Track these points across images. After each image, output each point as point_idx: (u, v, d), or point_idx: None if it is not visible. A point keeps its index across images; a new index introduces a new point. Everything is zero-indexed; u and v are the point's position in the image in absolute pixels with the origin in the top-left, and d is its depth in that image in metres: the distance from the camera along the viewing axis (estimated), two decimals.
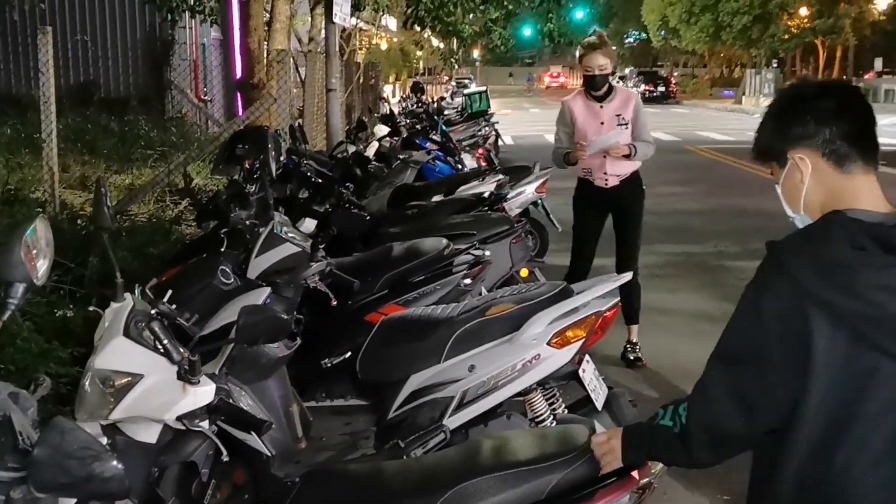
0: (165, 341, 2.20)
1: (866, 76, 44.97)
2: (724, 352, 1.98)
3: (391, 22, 27.27)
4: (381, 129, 9.82)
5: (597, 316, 3.61)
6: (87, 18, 17.96)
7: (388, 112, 12.53)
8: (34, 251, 1.91)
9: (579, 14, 64.47)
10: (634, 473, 2.29)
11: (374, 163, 8.03)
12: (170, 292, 2.52)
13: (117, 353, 2.29)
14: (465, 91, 20.75)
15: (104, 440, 2.28)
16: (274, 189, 6.54)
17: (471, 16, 15.68)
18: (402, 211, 7.12)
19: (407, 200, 7.52)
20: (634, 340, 6.29)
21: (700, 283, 8.55)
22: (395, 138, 9.50)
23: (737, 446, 2.06)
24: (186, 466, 3.02)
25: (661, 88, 50.31)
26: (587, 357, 3.80)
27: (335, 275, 4.24)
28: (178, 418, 2.27)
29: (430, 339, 3.69)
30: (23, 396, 2.01)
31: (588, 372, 3.75)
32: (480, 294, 4.67)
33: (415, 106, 15.27)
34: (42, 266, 1.94)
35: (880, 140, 1.97)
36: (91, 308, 2.68)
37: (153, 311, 2.32)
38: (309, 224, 5.50)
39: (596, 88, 5.92)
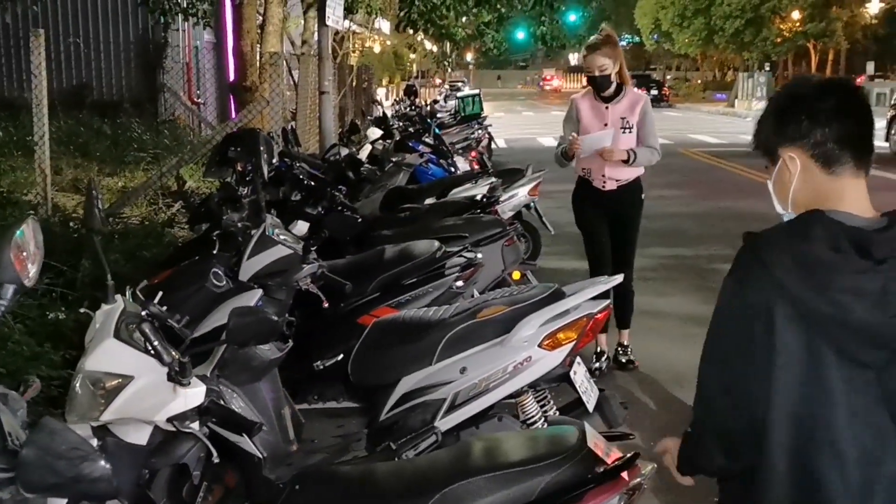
0: (156, 343, 2.20)
1: (858, 80, 45.11)
2: (712, 349, 1.98)
3: (384, 25, 27.29)
4: (374, 132, 9.83)
5: (588, 318, 3.62)
6: (80, 21, 17.93)
7: (380, 115, 12.54)
8: (24, 253, 1.92)
9: (572, 17, 64.65)
10: (624, 475, 2.29)
11: (366, 165, 8.02)
12: (160, 294, 2.51)
13: (108, 354, 2.29)
14: (459, 94, 20.75)
15: (95, 442, 2.28)
16: (266, 191, 6.56)
17: (464, 19, 15.68)
18: (394, 214, 7.13)
19: (399, 203, 7.53)
20: (626, 343, 6.25)
21: (692, 287, 8.56)
22: (387, 141, 9.51)
23: (748, 447, 1.93)
24: (178, 469, 3.03)
25: (654, 92, 50.37)
26: (578, 359, 3.80)
27: (327, 277, 4.25)
28: (169, 420, 2.26)
29: (422, 342, 3.69)
30: (12, 398, 2.01)
31: (579, 374, 3.76)
32: (472, 296, 4.67)
33: (408, 109, 15.28)
34: (32, 268, 1.95)
35: (877, 143, 1.96)
36: (82, 310, 2.67)
37: (143, 313, 2.32)
38: (301, 226, 5.51)
39: (600, 89, 5.83)
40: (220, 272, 4.02)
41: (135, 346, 2.29)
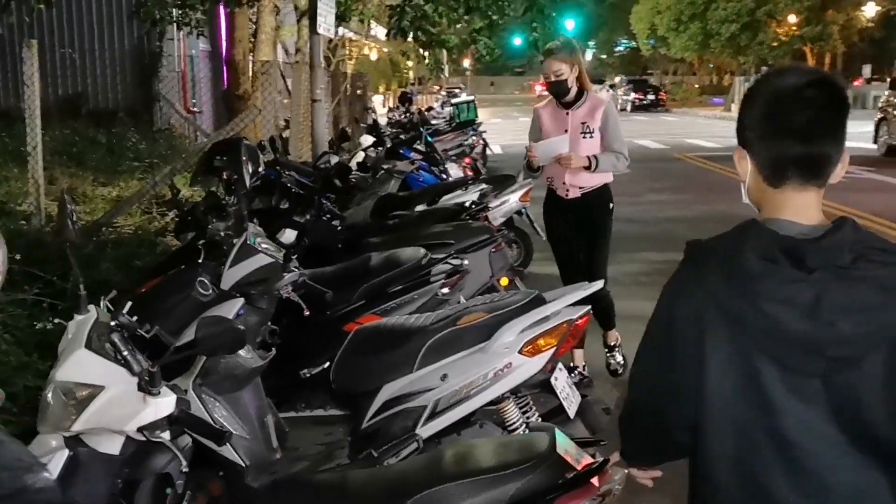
0: (125, 353, 2.22)
1: (855, 83, 45.14)
2: (643, 348, 2.02)
3: (381, 32, 27.31)
4: (367, 140, 9.86)
5: (568, 324, 3.63)
6: (74, 31, 17.97)
7: (373, 122, 12.57)
8: None
9: (570, 24, 64.80)
10: (594, 480, 2.30)
11: (357, 173, 8.04)
12: (129, 304, 2.52)
13: (78, 365, 2.30)
14: (453, 101, 20.79)
15: (66, 452, 2.29)
16: (256, 200, 6.59)
17: (458, 25, 15.71)
18: (384, 221, 7.14)
19: (390, 210, 7.53)
20: (612, 344, 6.12)
21: None
22: (378, 148, 9.53)
23: (667, 443, 2.03)
24: (161, 478, 3.04)
25: (651, 96, 50.51)
26: (560, 365, 3.82)
27: (308, 285, 4.26)
28: (140, 429, 2.28)
29: (403, 349, 3.71)
30: None
31: (561, 380, 3.77)
32: (459, 303, 4.68)
33: (402, 116, 15.31)
34: None
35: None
36: (57, 321, 2.69)
37: (113, 323, 2.33)
38: (290, 234, 5.51)
39: (558, 95, 5.76)
40: (206, 281, 4.03)
41: (105, 356, 2.30)
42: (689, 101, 55.70)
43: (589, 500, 2.28)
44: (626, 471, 2.28)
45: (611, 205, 5.94)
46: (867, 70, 45.89)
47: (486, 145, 16.89)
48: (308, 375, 4.77)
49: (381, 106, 24.79)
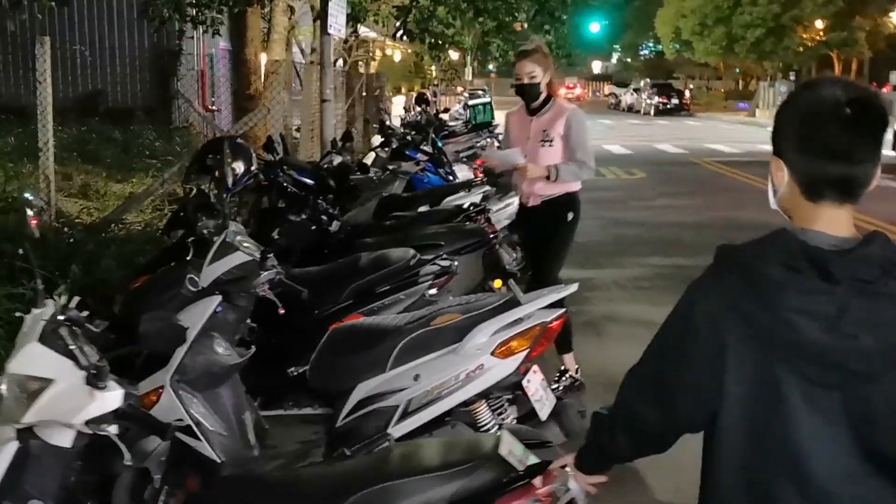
0: (73, 347, 2.26)
1: (883, 89, 44.74)
2: (656, 343, 2.00)
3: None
4: (376, 140, 9.89)
5: (541, 327, 3.65)
6: (95, 29, 18.14)
7: (383, 123, 12.60)
8: None
9: (595, 27, 64.63)
10: (536, 481, 2.31)
11: (358, 173, 8.08)
12: (77, 300, 2.55)
13: (30, 357, 2.34)
14: (470, 102, 20.75)
15: (16, 444, 2.33)
16: (265, 199, 6.64)
17: (473, 27, 15.72)
18: (383, 221, 7.17)
19: (392, 211, 7.56)
20: (564, 369, 5.69)
21: None
22: (385, 149, 9.58)
23: (654, 441, 2.07)
24: (140, 472, 3.07)
25: (675, 101, 50.25)
26: (535, 367, 3.82)
27: (285, 284, 4.29)
28: (87, 423, 2.31)
29: (377, 349, 3.73)
30: None
31: (534, 382, 3.78)
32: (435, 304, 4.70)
33: (417, 118, 15.33)
34: None
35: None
36: (17, 314, 2.73)
37: (61, 318, 2.37)
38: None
39: (527, 98, 5.66)
40: (195, 278, 4.07)
41: (57, 349, 2.34)
42: (713, 105, 55.38)
43: (528, 501, 2.28)
44: (568, 471, 2.28)
45: (570, 215, 5.75)
46: (895, 77, 45.43)
47: (500, 147, 16.84)
48: (296, 374, 4.80)
49: (402, 107, 24.79)
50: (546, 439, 2.70)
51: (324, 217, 6.21)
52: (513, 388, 3.77)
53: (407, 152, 9.59)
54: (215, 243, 3.98)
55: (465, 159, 12.66)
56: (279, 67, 9.11)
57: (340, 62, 16.11)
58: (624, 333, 6.59)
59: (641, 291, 8.47)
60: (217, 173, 4.89)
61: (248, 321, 4.12)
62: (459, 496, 2.28)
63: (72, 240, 7.78)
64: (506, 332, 3.60)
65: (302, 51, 15.07)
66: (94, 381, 2.26)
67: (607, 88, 68.55)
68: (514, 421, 3.85)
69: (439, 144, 11.20)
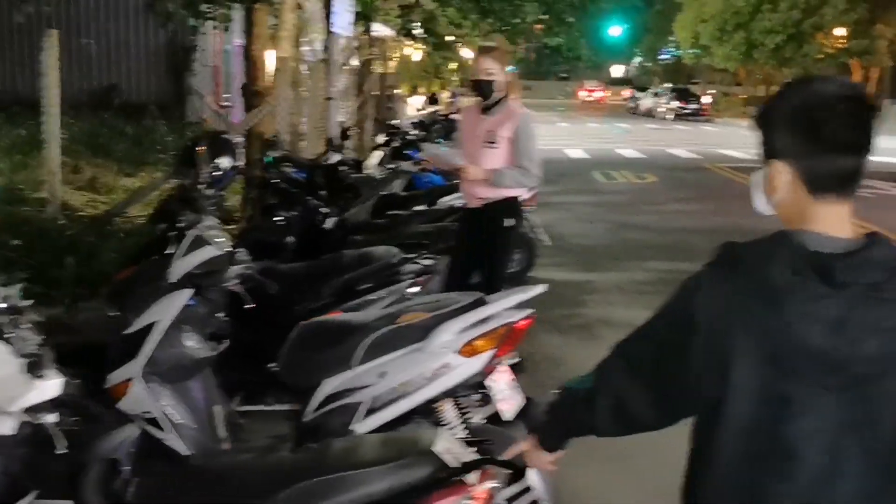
0: (11, 335, 2.28)
1: None
2: (652, 330, 1.98)
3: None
4: (380, 139, 9.92)
5: (507, 327, 3.65)
6: (110, 23, 18.28)
7: (385, 121, 12.64)
8: None
9: (615, 30, 64.36)
10: (469, 479, 2.32)
11: (352, 173, 8.14)
12: (20, 286, 2.57)
13: None
14: None
15: None
16: (269, 194, 6.69)
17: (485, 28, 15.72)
18: (379, 219, 7.21)
19: (389, 209, 7.61)
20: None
21: None
22: (386, 148, 9.63)
23: (639, 425, 2.03)
24: (109, 463, 3.10)
25: (693, 106, 50.02)
26: (503, 367, 3.83)
27: (254, 279, 4.31)
28: (25, 411, 2.33)
29: (344, 345, 3.75)
30: None
31: (500, 382, 3.78)
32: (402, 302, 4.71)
33: (424, 117, 15.37)
34: None
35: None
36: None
37: (3, 306, 2.38)
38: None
39: (482, 94, 5.60)
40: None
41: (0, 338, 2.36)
42: (732, 110, 55.08)
43: (460, 499, 2.29)
44: (509, 472, 2.29)
45: (508, 220, 5.66)
46: None
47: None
48: (276, 370, 4.83)
49: (416, 107, 24.84)
50: (485, 439, 2.71)
51: (317, 214, 6.24)
52: (479, 388, 3.77)
53: (407, 152, 9.63)
54: (188, 238, 4.01)
55: None
56: (285, 64, 9.12)
57: (355, 61, 16.13)
58: (618, 337, 6.54)
59: (642, 296, 8.46)
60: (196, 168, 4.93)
61: (223, 315, 4.15)
62: (394, 491, 2.29)
63: (69, 232, 7.85)
64: (471, 332, 3.62)
65: (312, 49, 15.12)
66: (33, 369, 2.28)
67: (626, 93, 68.30)
68: (484, 420, 3.85)
69: (439, 141, 11.22)
